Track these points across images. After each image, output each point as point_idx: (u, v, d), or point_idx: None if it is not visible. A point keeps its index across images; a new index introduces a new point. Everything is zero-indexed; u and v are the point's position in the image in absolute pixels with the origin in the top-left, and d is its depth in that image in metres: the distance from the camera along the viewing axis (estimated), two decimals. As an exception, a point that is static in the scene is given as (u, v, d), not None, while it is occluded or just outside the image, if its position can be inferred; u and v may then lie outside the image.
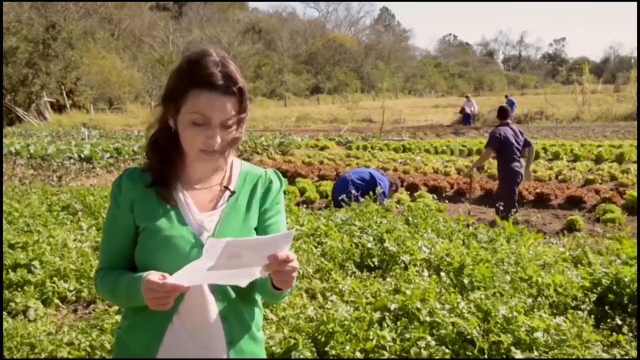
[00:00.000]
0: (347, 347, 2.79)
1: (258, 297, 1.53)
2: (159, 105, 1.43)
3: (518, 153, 7.24)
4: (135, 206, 1.43)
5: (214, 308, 1.40)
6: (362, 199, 6.59)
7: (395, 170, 12.00)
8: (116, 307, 3.75)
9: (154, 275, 1.29)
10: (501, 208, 6.90)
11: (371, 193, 6.72)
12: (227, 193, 1.48)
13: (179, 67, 1.39)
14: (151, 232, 1.40)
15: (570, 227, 7.40)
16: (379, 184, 7.72)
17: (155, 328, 1.40)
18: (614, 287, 3.65)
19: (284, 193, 1.75)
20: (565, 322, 3.00)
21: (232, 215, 1.46)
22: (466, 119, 25.69)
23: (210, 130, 1.35)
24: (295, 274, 1.27)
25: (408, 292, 3.26)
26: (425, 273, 3.95)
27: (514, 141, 7.19)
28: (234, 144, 1.42)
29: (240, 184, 1.50)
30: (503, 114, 7.55)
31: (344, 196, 6.98)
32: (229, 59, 1.38)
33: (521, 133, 7.46)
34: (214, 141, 1.35)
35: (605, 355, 2.87)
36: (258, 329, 1.53)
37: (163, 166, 1.44)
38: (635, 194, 8.26)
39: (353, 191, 7.16)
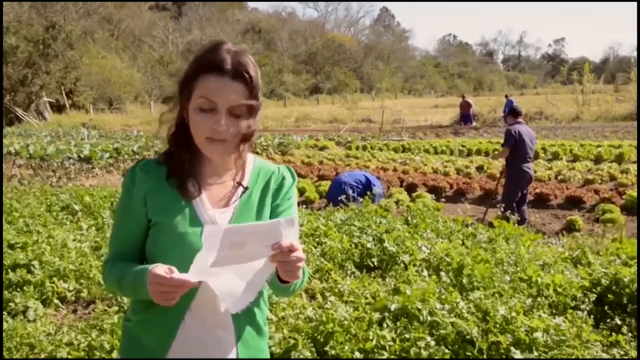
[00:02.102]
0: (347, 347, 2.79)
1: (264, 289, 1.51)
2: (175, 97, 1.40)
3: (530, 153, 7.22)
4: (148, 199, 1.41)
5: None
6: (360, 199, 6.67)
7: (394, 170, 11.99)
8: (116, 307, 3.75)
9: (160, 269, 1.25)
10: (501, 208, 6.90)
11: (369, 193, 6.81)
12: (240, 189, 1.46)
13: (194, 55, 1.38)
14: (164, 228, 1.39)
15: (570, 227, 7.40)
16: (373, 186, 8.11)
17: (168, 324, 1.40)
18: (614, 287, 3.66)
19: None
20: (564, 322, 3.00)
21: (245, 211, 1.44)
22: (465, 118, 25.65)
23: (216, 116, 1.32)
24: (301, 265, 1.22)
25: (408, 292, 3.26)
26: (425, 273, 3.95)
27: (527, 140, 7.17)
28: (248, 138, 1.39)
29: (254, 180, 1.48)
30: (516, 113, 7.62)
31: (343, 197, 7.08)
32: (247, 53, 1.36)
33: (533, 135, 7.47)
34: (220, 127, 1.32)
35: (604, 355, 2.87)
36: (264, 323, 1.52)
37: (178, 159, 1.42)
38: (634, 194, 8.26)
39: (350, 192, 7.27)
